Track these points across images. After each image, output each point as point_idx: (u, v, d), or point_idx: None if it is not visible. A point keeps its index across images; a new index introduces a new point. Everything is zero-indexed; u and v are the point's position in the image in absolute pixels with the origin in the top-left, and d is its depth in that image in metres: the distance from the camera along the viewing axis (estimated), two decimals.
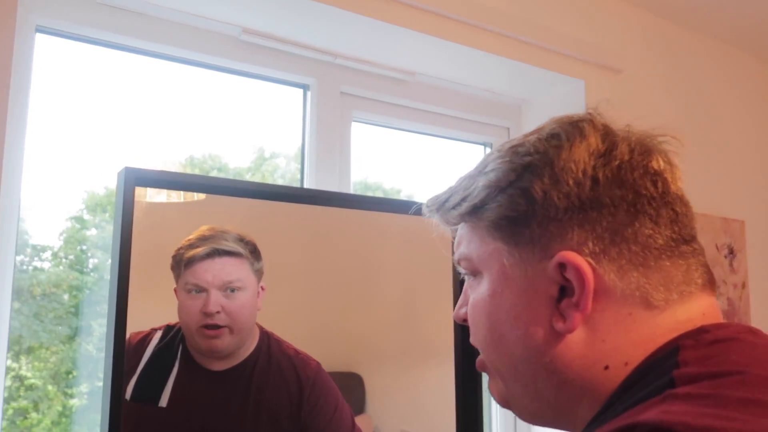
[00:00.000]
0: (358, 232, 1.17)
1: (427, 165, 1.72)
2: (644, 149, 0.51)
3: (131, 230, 0.92)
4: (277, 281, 1.04)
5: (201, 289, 0.96)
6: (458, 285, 1.17)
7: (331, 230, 1.14)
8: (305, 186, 1.43)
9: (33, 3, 1.14)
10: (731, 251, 1.92)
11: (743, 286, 1.94)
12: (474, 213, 0.53)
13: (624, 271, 0.48)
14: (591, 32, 1.69)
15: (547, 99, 1.75)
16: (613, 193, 0.49)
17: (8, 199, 1.08)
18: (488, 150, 1.82)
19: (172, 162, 1.34)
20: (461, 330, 1.13)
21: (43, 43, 1.19)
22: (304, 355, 1.03)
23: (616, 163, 0.50)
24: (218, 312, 0.95)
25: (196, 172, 1.36)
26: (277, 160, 1.50)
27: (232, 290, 0.97)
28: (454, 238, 0.59)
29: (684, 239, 0.50)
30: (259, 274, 1.01)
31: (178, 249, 0.96)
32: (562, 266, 0.48)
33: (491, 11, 1.48)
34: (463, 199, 0.54)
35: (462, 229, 0.57)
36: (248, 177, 1.46)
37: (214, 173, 1.39)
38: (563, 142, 0.51)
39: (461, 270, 0.58)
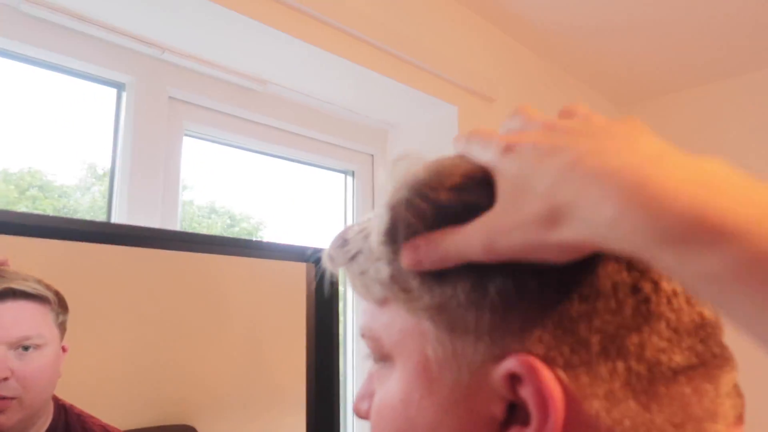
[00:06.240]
0: (191, 274, 0.96)
1: (280, 194, 1.43)
2: None
3: None
4: (85, 332, 0.79)
5: None
6: (313, 328, 1.03)
7: (153, 271, 0.91)
8: (113, 219, 1.07)
9: None
10: None
11: None
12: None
13: (616, 399, 0.30)
14: (465, 58, 1.54)
15: (416, 124, 1.56)
16: (620, 277, 0.31)
17: None
18: (350, 180, 1.58)
19: None
20: (315, 378, 1.01)
21: None
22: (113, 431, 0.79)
23: None
24: (6, 379, 0.69)
25: (11, 189, 0.98)
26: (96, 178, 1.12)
27: (26, 348, 0.71)
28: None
29: (712, 352, 0.32)
30: (62, 329, 0.76)
31: None
32: (514, 377, 0.31)
33: (364, 19, 1.25)
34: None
35: None
36: (79, 197, 1.08)
37: (33, 192, 1.02)
38: None
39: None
